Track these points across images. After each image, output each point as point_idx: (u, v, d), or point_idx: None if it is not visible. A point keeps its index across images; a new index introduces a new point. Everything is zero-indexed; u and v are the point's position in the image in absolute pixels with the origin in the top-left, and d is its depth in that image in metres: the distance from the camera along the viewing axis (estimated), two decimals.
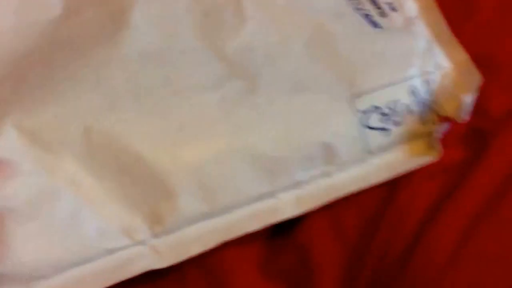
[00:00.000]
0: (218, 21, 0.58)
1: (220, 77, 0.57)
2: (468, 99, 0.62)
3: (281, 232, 0.62)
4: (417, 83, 0.62)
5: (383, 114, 0.61)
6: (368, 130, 0.61)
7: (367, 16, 0.63)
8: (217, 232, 0.57)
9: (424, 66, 0.63)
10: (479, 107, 0.64)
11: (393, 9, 0.64)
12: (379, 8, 0.63)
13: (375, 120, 0.61)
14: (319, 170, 0.60)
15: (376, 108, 0.61)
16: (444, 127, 0.63)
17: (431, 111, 0.63)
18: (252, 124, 0.57)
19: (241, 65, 0.58)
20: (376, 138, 0.61)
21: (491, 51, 0.66)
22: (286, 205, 0.59)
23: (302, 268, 0.60)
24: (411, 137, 0.62)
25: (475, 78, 0.63)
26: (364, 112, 0.60)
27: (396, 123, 0.62)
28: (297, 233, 0.61)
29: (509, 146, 0.62)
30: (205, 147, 0.56)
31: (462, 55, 0.64)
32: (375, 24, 0.62)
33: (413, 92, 0.62)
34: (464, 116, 0.62)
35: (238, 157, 0.56)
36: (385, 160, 0.62)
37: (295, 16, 0.60)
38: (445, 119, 0.62)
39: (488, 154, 0.62)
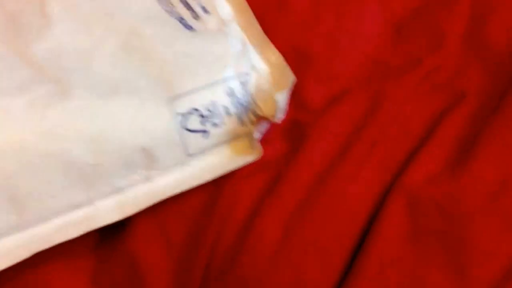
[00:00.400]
0: (23, 25, 0.56)
1: (26, 82, 0.55)
2: (282, 97, 0.63)
3: (109, 240, 0.60)
4: (234, 84, 0.63)
5: (202, 116, 0.61)
6: (187, 132, 0.60)
7: (181, 20, 0.62)
8: (29, 244, 0.54)
9: (240, 67, 0.63)
10: (297, 100, 0.65)
11: (206, 11, 0.64)
12: (192, 11, 0.63)
13: (194, 122, 0.60)
14: (139, 175, 0.59)
15: (195, 110, 0.60)
16: (263, 127, 0.64)
17: (249, 112, 0.63)
18: (65, 129, 0.55)
19: (51, 69, 0.56)
20: (196, 141, 0.61)
21: (306, 44, 0.67)
22: (105, 212, 0.57)
23: (132, 277, 0.59)
24: (231, 138, 0.63)
25: (289, 77, 0.64)
26: (183, 115, 0.60)
27: (216, 125, 0.62)
28: (125, 241, 0.60)
29: (325, 136, 0.64)
30: (13, 155, 0.53)
31: (276, 56, 0.65)
32: (189, 27, 0.62)
33: (230, 94, 0.62)
34: (280, 114, 0.63)
35: (50, 165, 0.54)
36: (206, 161, 0.61)
37: (106, 20, 0.59)
38: (262, 118, 0.63)
39: (305, 146, 0.63)
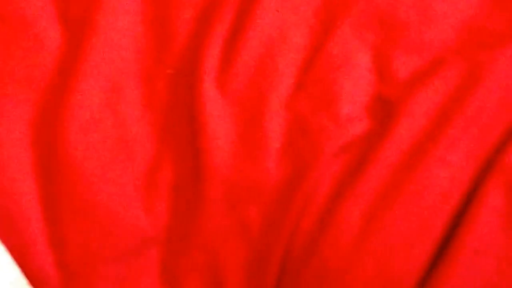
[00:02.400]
0: None
1: None
2: None
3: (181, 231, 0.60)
4: None
5: None
6: None
7: None
8: None
9: None
10: (383, 73, 0.61)
11: None
12: None
13: None
14: None
15: None
16: None
17: None
18: None
19: None
20: None
21: (393, 11, 0.62)
22: None
23: (209, 270, 0.59)
24: None
25: None
26: None
27: None
28: (201, 232, 0.59)
29: (414, 113, 0.59)
30: None
31: None
32: None
33: None
34: None
35: None
36: None
37: None
38: None
39: (392, 125, 0.59)
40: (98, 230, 0.58)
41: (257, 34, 0.62)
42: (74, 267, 0.58)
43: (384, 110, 0.60)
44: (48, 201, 0.59)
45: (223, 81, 0.60)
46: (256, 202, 0.58)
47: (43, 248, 0.58)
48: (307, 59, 0.61)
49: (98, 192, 0.58)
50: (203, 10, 0.62)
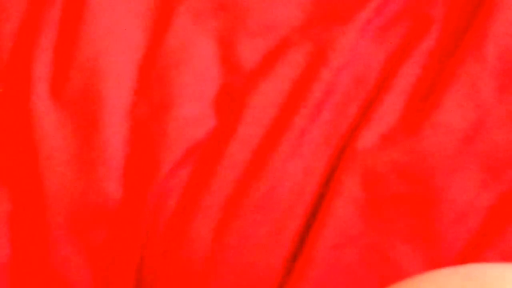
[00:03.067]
0: None
1: None
2: None
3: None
4: None
5: None
6: None
7: None
8: None
9: None
10: (227, 61, 0.57)
11: None
12: None
13: None
14: None
15: None
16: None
17: None
18: None
19: None
20: None
21: None
22: None
23: None
24: None
25: None
26: None
27: None
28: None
29: (262, 103, 0.56)
30: None
31: None
32: None
33: None
34: None
35: None
36: None
37: None
38: None
39: (239, 119, 0.55)
40: None
41: (88, 36, 0.57)
42: None
43: (231, 104, 0.57)
44: None
45: (56, 92, 0.56)
46: (100, 226, 0.54)
47: None
48: (145, 57, 0.57)
49: None
50: (26, 21, 0.58)
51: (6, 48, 0.57)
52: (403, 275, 0.50)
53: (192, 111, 0.56)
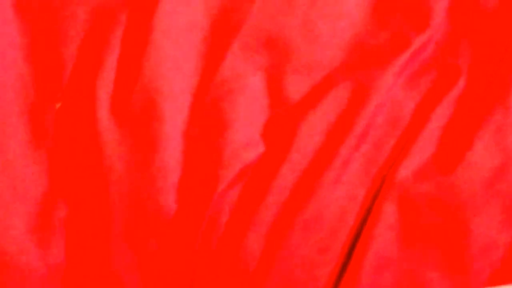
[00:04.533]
0: None
1: None
2: None
3: None
4: None
5: None
6: None
7: None
8: None
9: None
10: (275, 95, 0.61)
11: None
12: None
13: None
14: None
15: None
16: None
17: None
18: None
19: None
20: None
21: (280, 33, 0.63)
22: None
23: None
24: None
25: None
26: None
27: None
28: None
29: (307, 134, 0.60)
30: None
31: None
32: None
33: None
34: None
35: None
36: None
37: None
38: None
39: (286, 147, 0.59)
40: None
41: (150, 60, 0.61)
42: None
43: (279, 134, 0.61)
44: None
45: (117, 110, 0.59)
46: (155, 236, 0.57)
47: None
48: (200, 84, 0.61)
49: None
50: (90, 41, 0.61)
51: (70, 64, 0.60)
52: None
53: (244, 136, 0.60)
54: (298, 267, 0.57)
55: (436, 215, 0.59)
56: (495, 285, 0.58)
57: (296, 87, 0.62)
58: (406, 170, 0.59)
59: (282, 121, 0.61)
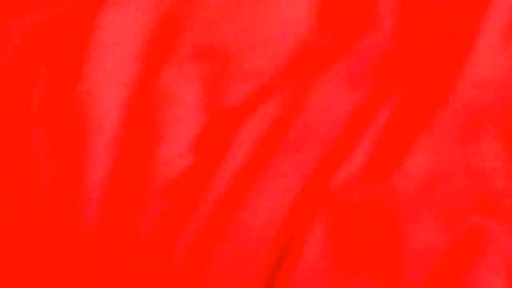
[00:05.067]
0: None
1: None
2: None
3: None
4: None
5: None
6: None
7: None
8: None
9: None
10: (209, 103, 0.62)
11: None
12: None
13: None
14: None
15: None
16: None
17: None
18: None
19: None
20: None
21: (219, 40, 0.63)
22: None
23: None
24: None
25: None
26: None
27: None
28: None
29: (239, 146, 0.60)
30: None
31: None
32: None
33: None
34: None
35: None
36: None
37: None
38: None
39: (218, 159, 0.60)
40: None
41: (83, 70, 0.62)
42: None
43: (212, 144, 0.61)
44: None
45: (48, 117, 0.60)
46: (73, 249, 0.57)
47: None
48: (134, 96, 0.62)
49: None
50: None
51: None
52: None
53: (175, 148, 0.60)
54: (224, 281, 0.57)
55: (370, 224, 0.58)
56: None
57: (234, 96, 0.62)
58: (339, 178, 0.59)
59: (216, 131, 0.61)
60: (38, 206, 0.58)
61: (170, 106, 0.61)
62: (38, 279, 0.57)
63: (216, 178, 0.59)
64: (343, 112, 0.62)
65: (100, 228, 0.58)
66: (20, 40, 0.62)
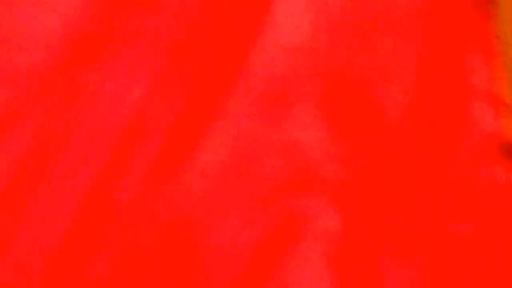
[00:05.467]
0: None
1: None
2: None
3: None
4: None
5: None
6: None
7: None
8: None
9: None
10: None
11: None
12: None
13: None
14: None
15: None
16: None
17: None
18: None
19: None
20: None
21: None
22: None
23: None
24: None
25: None
26: None
27: None
28: None
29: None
30: None
31: None
32: None
33: None
34: None
35: None
36: None
37: None
38: None
39: None
40: None
41: None
42: None
43: None
44: None
45: None
46: None
47: None
48: None
49: None
50: None
51: None
52: None
53: None
54: None
55: (162, 233, 0.48)
56: None
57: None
58: (124, 187, 0.49)
59: None
60: None
61: None
62: None
63: None
64: (122, 111, 0.52)
65: None
66: None
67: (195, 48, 0.54)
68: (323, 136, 0.51)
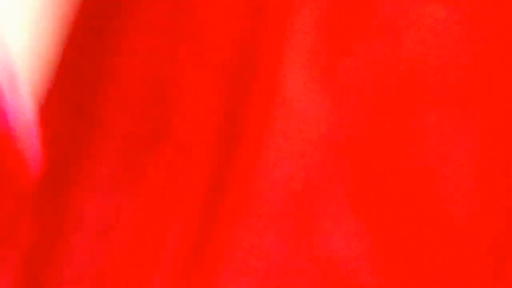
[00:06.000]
0: None
1: None
2: None
3: None
4: None
5: None
6: None
7: None
8: None
9: None
10: None
11: None
12: None
13: None
14: None
15: None
16: None
17: None
18: None
19: None
20: None
21: None
22: None
23: None
24: None
25: None
26: None
27: None
28: None
29: None
30: None
31: None
32: None
33: None
34: None
35: None
36: None
37: None
38: None
39: None
40: None
41: None
42: None
43: None
44: None
45: None
46: None
47: None
48: None
49: None
50: None
51: None
52: None
53: None
54: None
55: None
56: None
57: None
58: None
59: None
60: None
61: None
62: None
63: None
64: None
65: None
66: None
67: None
68: (363, 246, 0.42)
